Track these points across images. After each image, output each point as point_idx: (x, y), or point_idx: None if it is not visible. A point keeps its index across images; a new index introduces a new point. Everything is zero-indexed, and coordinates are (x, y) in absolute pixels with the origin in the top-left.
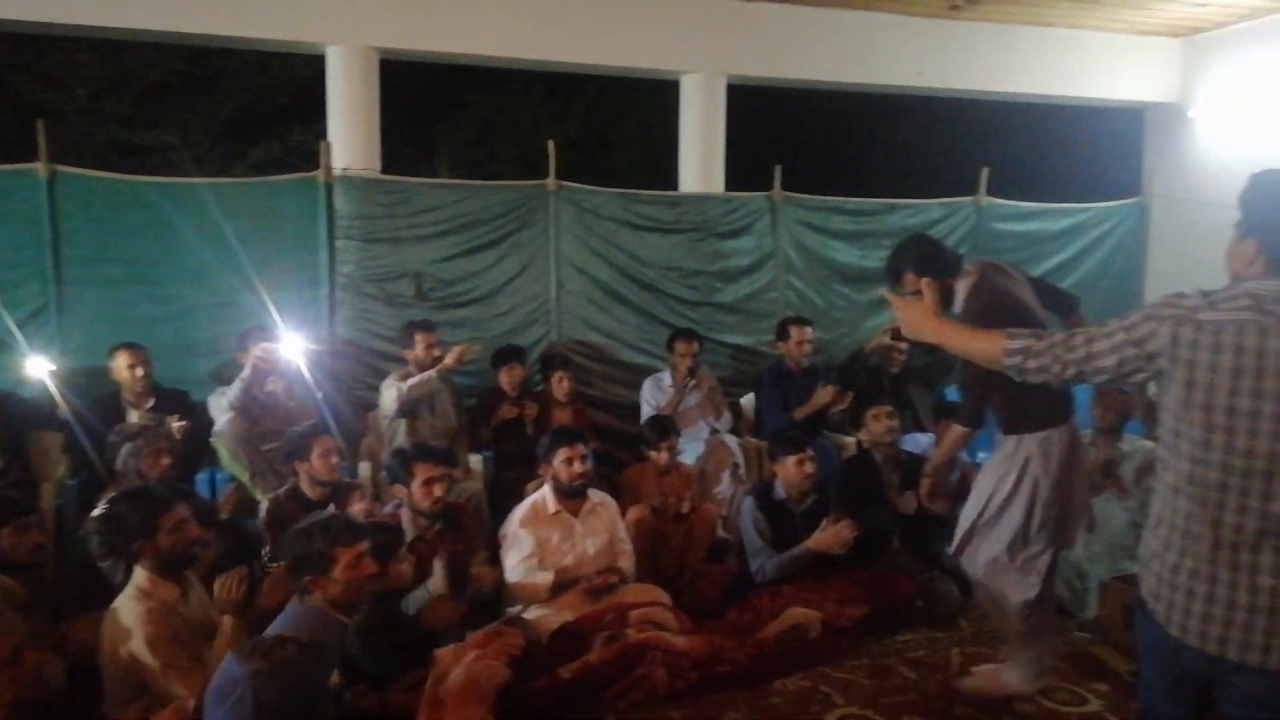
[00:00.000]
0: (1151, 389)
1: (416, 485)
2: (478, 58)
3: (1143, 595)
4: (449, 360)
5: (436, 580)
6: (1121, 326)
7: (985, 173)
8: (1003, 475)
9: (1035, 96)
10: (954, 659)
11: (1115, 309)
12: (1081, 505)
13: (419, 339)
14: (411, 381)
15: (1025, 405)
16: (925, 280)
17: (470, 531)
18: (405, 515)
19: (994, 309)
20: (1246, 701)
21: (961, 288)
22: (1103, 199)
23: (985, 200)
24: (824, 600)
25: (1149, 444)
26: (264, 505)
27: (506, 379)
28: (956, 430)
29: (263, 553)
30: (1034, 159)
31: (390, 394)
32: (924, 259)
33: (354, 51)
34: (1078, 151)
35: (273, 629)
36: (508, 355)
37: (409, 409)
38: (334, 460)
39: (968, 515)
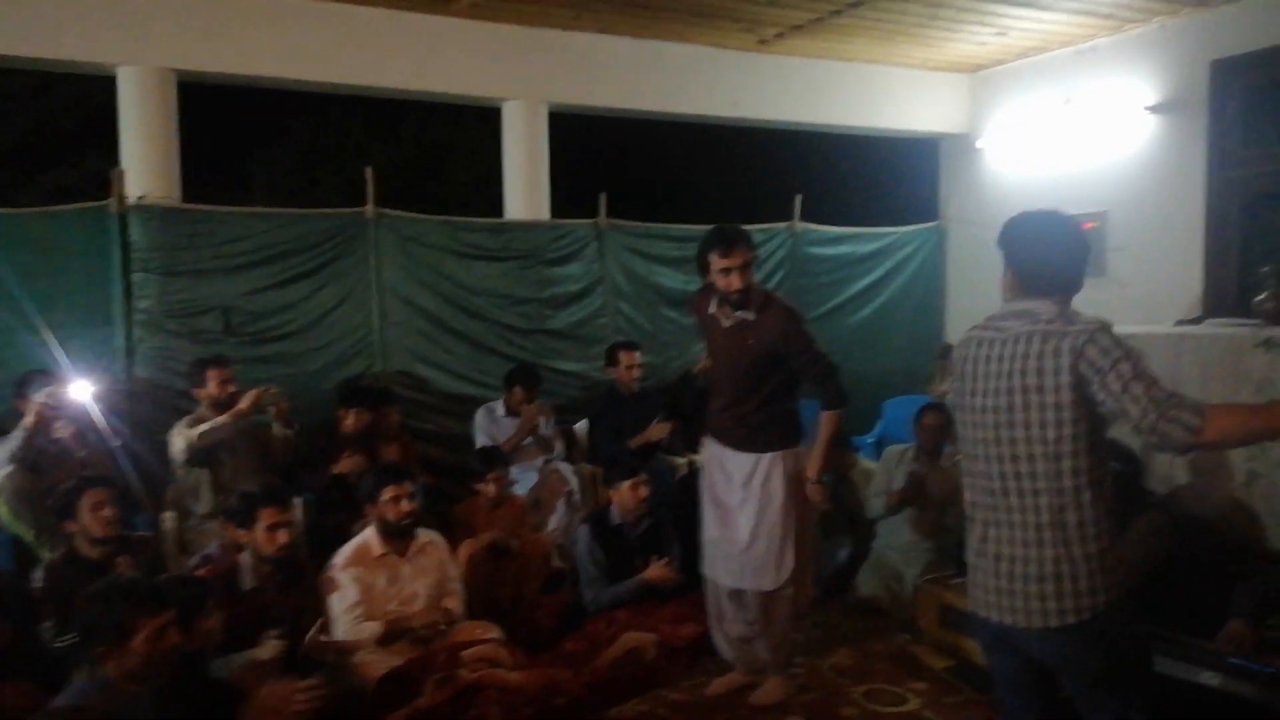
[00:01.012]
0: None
1: (261, 530)
2: (285, 81)
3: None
4: (243, 404)
5: (267, 648)
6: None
7: (799, 199)
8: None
9: (840, 127)
10: None
11: (922, 324)
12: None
13: (211, 376)
14: (202, 428)
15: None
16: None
17: (311, 584)
18: (246, 561)
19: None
20: (1056, 663)
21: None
22: (906, 223)
23: (799, 226)
24: (659, 622)
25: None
26: (39, 573)
27: (353, 419)
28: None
29: (44, 626)
30: (843, 186)
31: (179, 442)
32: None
33: (147, 73)
34: (882, 179)
35: (57, 703)
36: (357, 395)
37: (201, 457)
38: (107, 514)
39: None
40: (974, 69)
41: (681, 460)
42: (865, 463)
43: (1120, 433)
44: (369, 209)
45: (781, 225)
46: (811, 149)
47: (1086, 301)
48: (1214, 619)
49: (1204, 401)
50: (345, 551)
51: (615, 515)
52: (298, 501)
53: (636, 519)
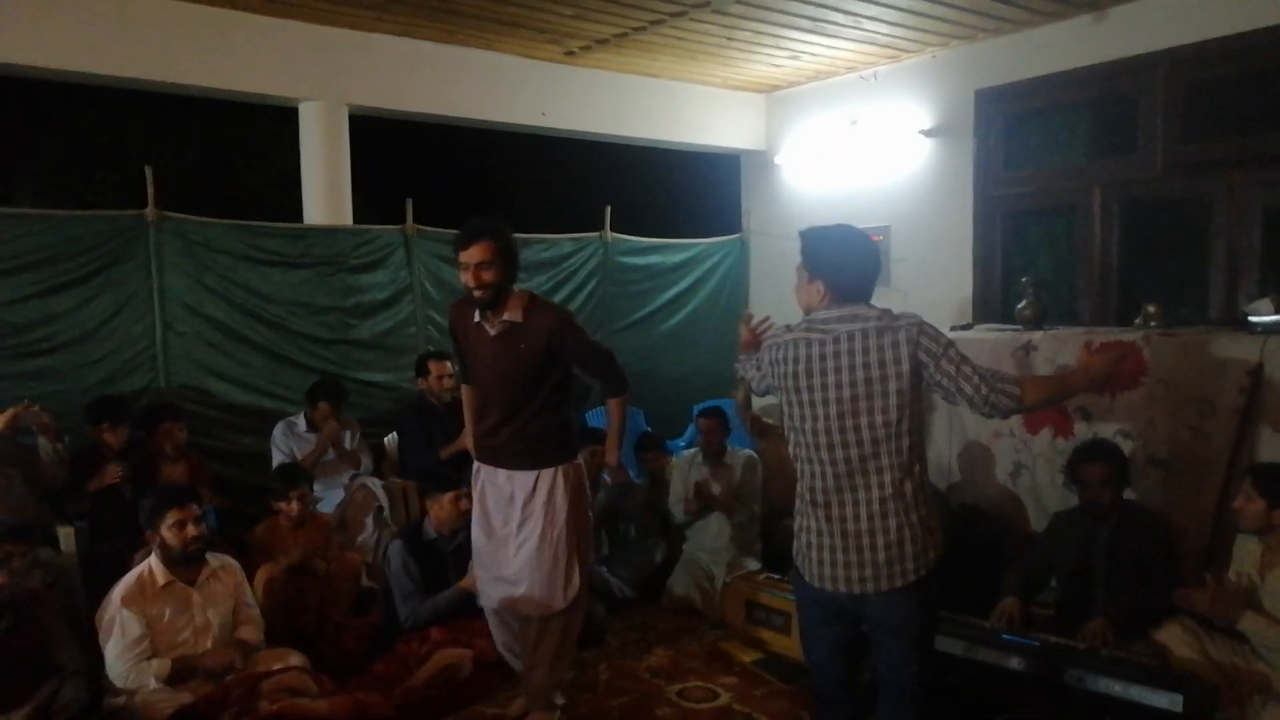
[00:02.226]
0: (755, 405)
1: None
2: (56, 72)
3: (795, 560)
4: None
5: None
6: (762, 353)
7: (609, 210)
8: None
9: (646, 140)
10: (602, 675)
11: (728, 331)
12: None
13: None
14: None
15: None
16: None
17: (49, 625)
18: None
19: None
20: (875, 624)
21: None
22: (711, 235)
23: (610, 236)
24: (473, 636)
25: (748, 451)
26: None
27: (112, 436)
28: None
29: None
30: (652, 198)
31: None
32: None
33: None
34: (688, 192)
35: None
36: (105, 410)
37: None
38: None
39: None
40: (770, 89)
41: None
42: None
43: None
44: (150, 211)
45: (593, 235)
46: (621, 161)
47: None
48: (988, 599)
49: (1013, 374)
50: (122, 585)
51: (430, 529)
52: (69, 529)
53: (452, 532)
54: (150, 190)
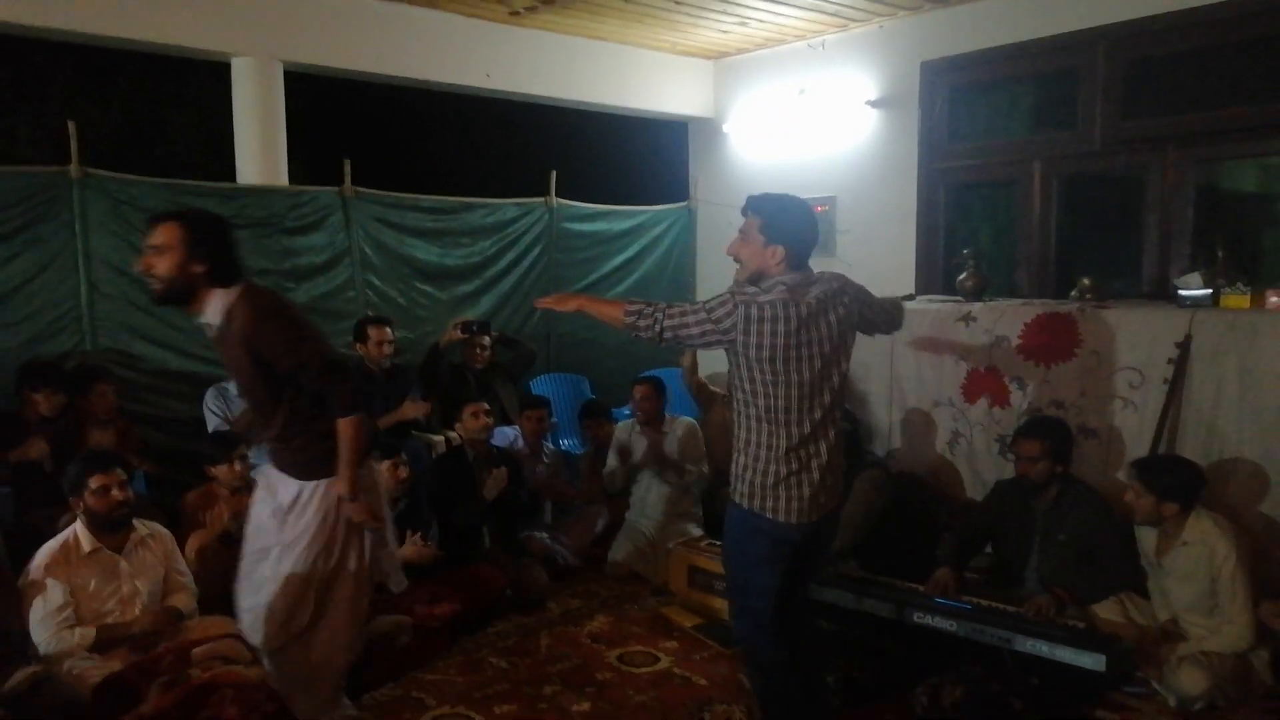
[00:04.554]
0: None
1: None
2: None
3: (739, 502)
4: None
5: None
6: (704, 308)
7: (554, 175)
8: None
9: (593, 105)
10: (543, 642)
11: (675, 298)
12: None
13: None
14: None
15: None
16: None
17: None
18: None
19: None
20: (812, 546)
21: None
22: (659, 202)
23: (555, 201)
24: (413, 603)
25: (688, 418)
26: None
27: (44, 402)
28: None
29: None
30: (599, 164)
31: None
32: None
33: None
34: (635, 158)
35: None
36: (45, 375)
37: None
38: None
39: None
40: (718, 55)
41: (437, 438)
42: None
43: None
44: (73, 168)
45: (538, 200)
46: (567, 125)
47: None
48: (925, 564)
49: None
50: (47, 549)
51: None
52: None
53: (393, 500)
54: (74, 146)
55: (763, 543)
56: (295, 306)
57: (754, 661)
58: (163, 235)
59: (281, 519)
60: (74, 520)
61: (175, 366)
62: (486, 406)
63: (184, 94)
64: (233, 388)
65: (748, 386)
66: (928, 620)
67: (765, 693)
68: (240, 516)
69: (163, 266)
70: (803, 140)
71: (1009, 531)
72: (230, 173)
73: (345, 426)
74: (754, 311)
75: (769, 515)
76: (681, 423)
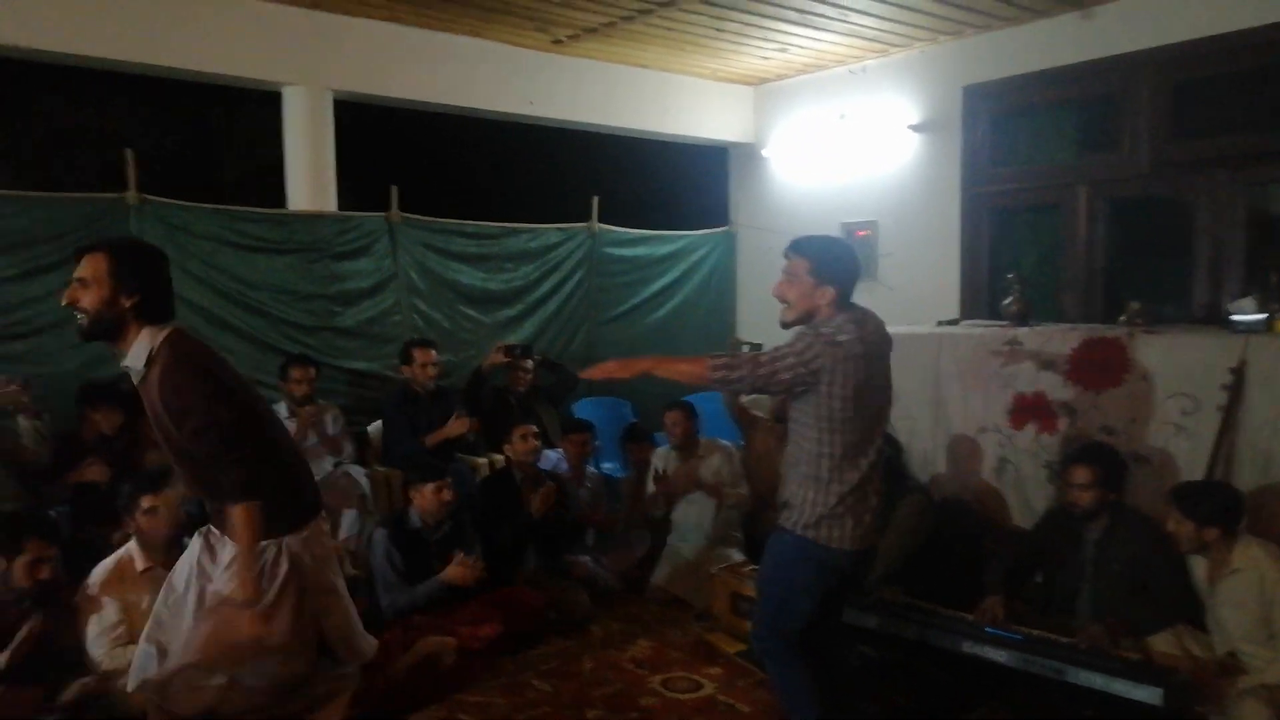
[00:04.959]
0: (743, 398)
1: (21, 562)
2: (31, 52)
3: (794, 530)
4: None
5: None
6: (793, 353)
7: (596, 200)
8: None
9: (634, 131)
10: (585, 665)
11: (715, 324)
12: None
13: None
14: None
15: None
16: None
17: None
18: None
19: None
20: (850, 574)
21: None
22: (699, 227)
23: (598, 226)
24: (456, 624)
25: (724, 442)
26: None
27: (104, 420)
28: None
29: None
30: (639, 189)
31: None
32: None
33: None
34: (676, 183)
35: None
36: (99, 394)
37: None
38: None
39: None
40: (759, 81)
41: (482, 460)
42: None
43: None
44: (130, 194)
45: (580, 226)
46: (608, 151)
47: (861, 304)
48: (971, 593)
49: None
50: (103, 567)
51: (414, 518)
52: (52, 514)
53: (436, 522)
54: (131, 173)
55: (811, 570)
56: (226, 366)
57: (774, 658)
58: (89, 267)
59: (214, 575)
60: (129, 539)
61: None
62: (536, 429)
63: (235, 123)
64: (282, 410)
65: (824, 425)
66: (977, 649)
67: (788, 684)
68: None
69: (88, 299)
70: (843, 165)
71: (1059, 560)
72: (278, 199)
73: (238, 514)
74: (839, 352)
75: (828, 544)
76: (717, 446)
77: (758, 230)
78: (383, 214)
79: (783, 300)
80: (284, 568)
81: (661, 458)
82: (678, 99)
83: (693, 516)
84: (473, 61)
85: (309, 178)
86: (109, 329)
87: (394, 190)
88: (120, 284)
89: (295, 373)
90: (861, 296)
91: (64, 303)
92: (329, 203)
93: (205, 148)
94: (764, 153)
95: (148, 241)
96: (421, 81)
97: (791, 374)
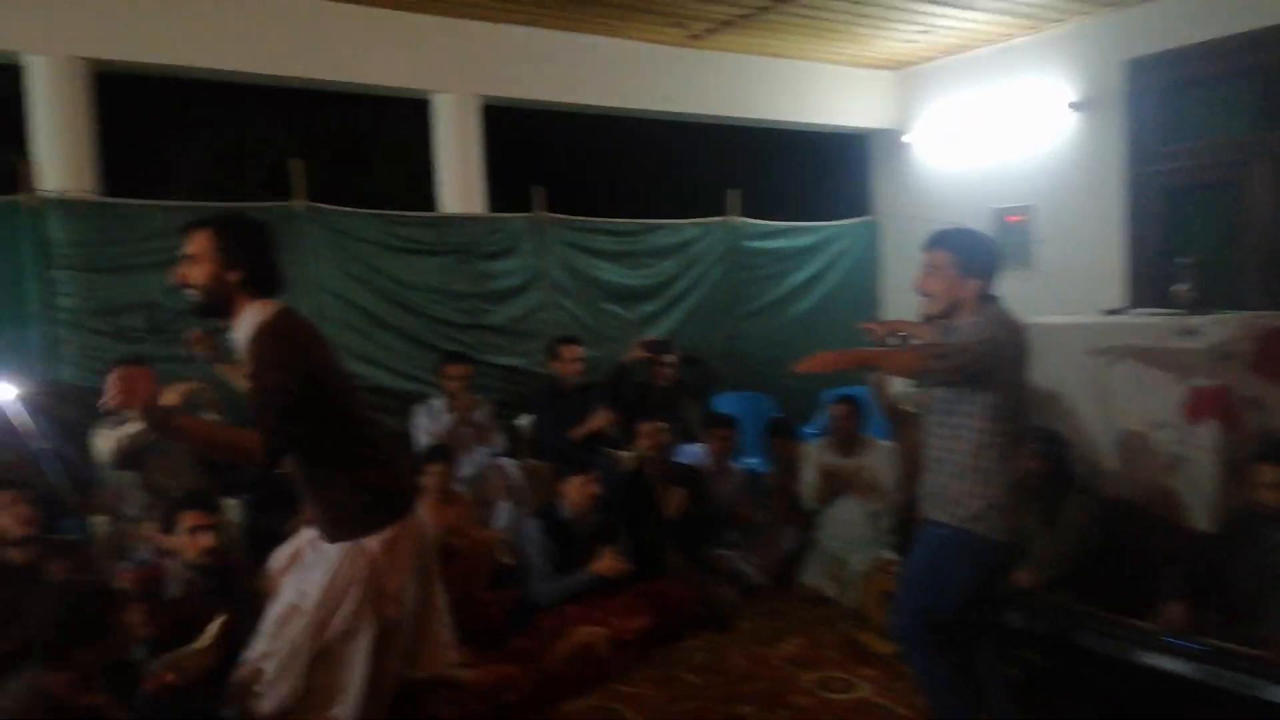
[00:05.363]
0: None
1: (183, 535)
2: (204, 71)
3: (952, 523)
4: (170, 399)
5: (205, 635)
6: (990, 340)
7: (735, 194)
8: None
9: (772, 122)
10: (734, 661)
11: (859, 316)
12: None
13: None
14: (129, 430)
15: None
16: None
17: (245, 589)
18: (172, 567)
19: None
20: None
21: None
22: (839, 217)
23: (736, 220)
24: (607, 616)
25: (884, 441)
26: None
27: None
28: None
29: None
30: (778, 181)
31: (106, 444)
32: None
33: (58, 62)
34: (815, 173)
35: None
36: None
37: (129, 459)
38: (21, 514)
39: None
40: (901, 65)
41: (626, 454)
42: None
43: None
44: (299, 203)
45: (718, 220)
46: (746, 144)
47: (1017, 294)
48: (1145, 599)
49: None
50: (282, 553)
51: (565, 511)
52: (234, 502)
53: (585, 514)
54: (299, 182)
55: (967, 563)
56: (324, 352)
57: (917, 649)
58: (195, 243)
59: (301, 575)
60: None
61: (388, 384)
62: (662, 425)
63: (382, 131)
64: (437, 404)
65: (992, 415)
66: (1155, 660)
67: (933, 678)
68: (459, 527)
69: (196, 275)
70: (994, 148)
71: (1247, 565)
72: (425, 203)
73: (247, 436)
74: (1017, 341)
75: (987, 536)
76: (876, 444)
77: (902, 219)
78: (528, 215)
79: (926, 294)
80: (359, 568)
81: (821, 450)
82: (816, 87)
83: (845, 513)
84: (611, 60)
85: (458, 181)
86: (219, 304)
87: (539, 191)
88: (226, 258)
89: (451, 369)
90: (1015, 285)
91: (175, 281)
92: (477, 205)
93: (357, 156)
94: (906, 138)
95: (252, 217)
96: (562, 83)
97: (989, 361)
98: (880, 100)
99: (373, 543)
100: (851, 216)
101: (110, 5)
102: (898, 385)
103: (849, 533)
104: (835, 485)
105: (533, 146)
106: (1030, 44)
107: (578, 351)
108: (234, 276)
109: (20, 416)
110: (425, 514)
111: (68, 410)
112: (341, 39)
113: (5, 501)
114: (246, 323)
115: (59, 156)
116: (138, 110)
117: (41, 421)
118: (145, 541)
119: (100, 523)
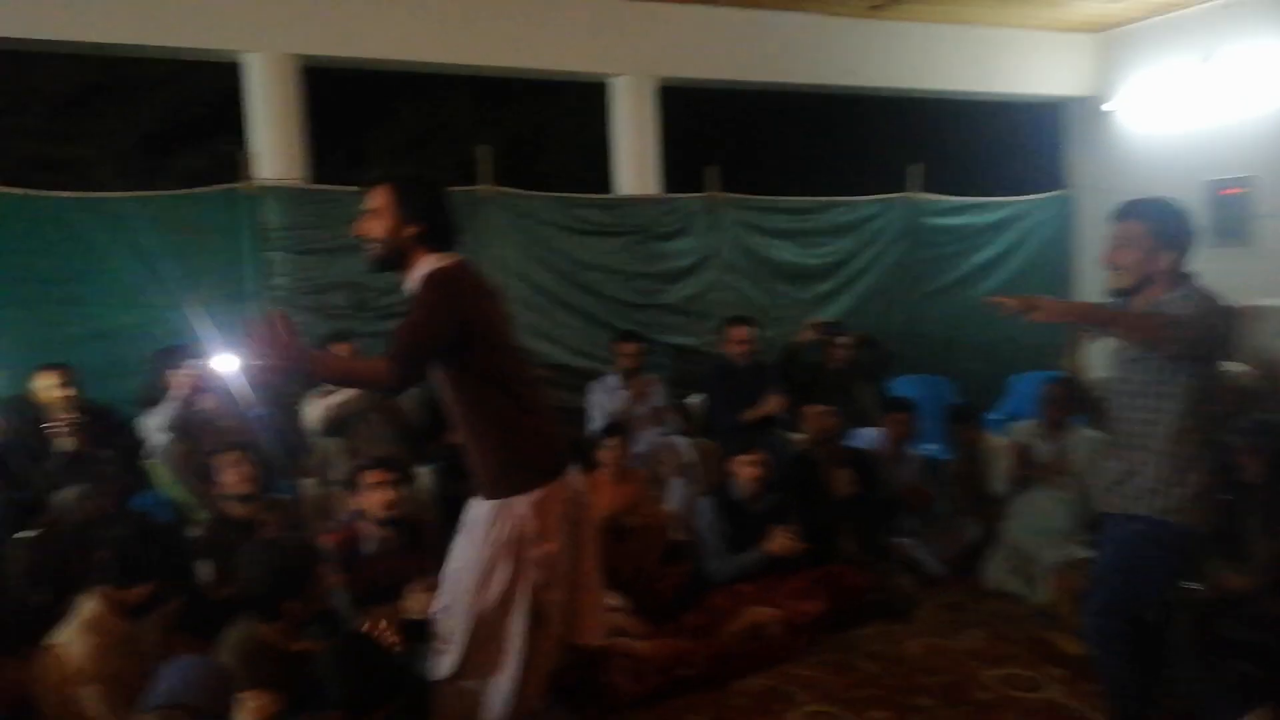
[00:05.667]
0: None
1: (367, 493)
2: (401, 64)
3: (1151, 515)
4: None
5: (417, 603)
6: (1209, 313)
7: (916, 169)
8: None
9: (958, 93)
10: (913, 651)
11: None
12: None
13: (338, 351)
14: (336, 399)
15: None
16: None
17: (432, 550)
18: (365, 528)
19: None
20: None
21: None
22: (1025, 191)
23: (917, 196)
24: (781, 598)
25: (1090, 432)
26: (198, 533)
27: None
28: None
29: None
30: (961, 154)
31: (315, 412)
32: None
33: (272, 59)
34: (1000, 146)
35: (222, 656)
36: None
37: (335, 427)
38: (245, 472)
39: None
40: (1103, 28)
41: (797, 435)
42: (993, 439)
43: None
44: (484, 187)
45: (898, 196)
46: (929, 116)
47: (1231, 273)
48: None
49: None
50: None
51: (736, 490)
52: (426, 469)
53: (757, 494)
54: (485, 167)
55: (1165, 555)
56: (490, 304)
57: (1109, 643)
58: (376, 198)
59: (463, 536)
60: None
61: (565, 361)
62: (827, 408)
63: (558, 115)
64: (611, 380)
65: (1195, 398)
66: None
67: (1116, 673)
68: (634, 505)
69: (376, 228)
70: (1207, 115)
71: None
72: (598, 184)
73: (372, 361)
74: (1230, 320)
75: (1187, 526)
76: (1082, 434)
77: (1101, 193)
78: (702, 194)
79: (1115, 267)
80: (506, 529)
81: (1028, 434)
82: (1006, 54)
83: (1037, 505)
84: (789, 35)
85: (634, 162)
86: (396, 257)
87: (712, 170)
88: (404, 213)
89: (625, 347)
90: (1229, 263)
91: (355, 234)
92: (652, 186)
93: (533, 139)
94: (1106, 106)
95: (430, 174)
96: (740, 61)
97: (1220, 335)
98: (1078, 66)
99: (521, 503)
100: (1043, 191)
101: (319, 6)
102: (1094, 367)
103: (1041, 524)
104: (1032, 471)
105: (706, 125)
106: (1251, 1)
107: (745, 333)
108: (411, 231)
109: (241, 386)
110: (578, 481)
111: (282, 381)
112: (526, 28)
113: (232, 460)
114: (417, 275)
115: (273, 146)
116: (335, 102)
117: (259, 391)
118: (346, 504)
119: (309, 485)
